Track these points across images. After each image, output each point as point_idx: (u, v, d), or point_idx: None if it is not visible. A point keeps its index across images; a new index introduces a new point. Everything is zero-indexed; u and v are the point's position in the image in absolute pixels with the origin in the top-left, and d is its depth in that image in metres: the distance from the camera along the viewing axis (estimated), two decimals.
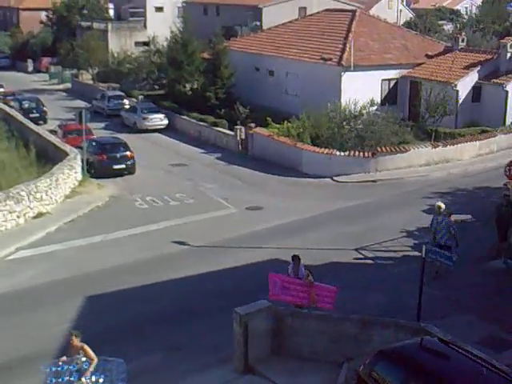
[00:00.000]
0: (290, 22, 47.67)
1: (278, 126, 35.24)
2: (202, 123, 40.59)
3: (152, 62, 51.33)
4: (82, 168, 30.63)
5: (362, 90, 35.76)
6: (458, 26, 61.09)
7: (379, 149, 31.51)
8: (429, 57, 40.49)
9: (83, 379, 12.80)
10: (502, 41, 39.96)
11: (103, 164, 32.03)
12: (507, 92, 36.00)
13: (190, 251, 22.62)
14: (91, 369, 12.85)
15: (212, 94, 42.38)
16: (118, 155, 32.43)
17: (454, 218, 20.33)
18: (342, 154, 31.37)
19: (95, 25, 66.39)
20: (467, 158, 33.28)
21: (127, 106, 45.99)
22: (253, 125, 36.00)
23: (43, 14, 75.96)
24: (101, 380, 12.93)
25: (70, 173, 28.90)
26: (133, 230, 24.66)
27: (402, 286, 18.84)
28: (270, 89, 42.61)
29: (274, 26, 48.17)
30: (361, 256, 21.69)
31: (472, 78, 37.19)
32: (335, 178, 30.93)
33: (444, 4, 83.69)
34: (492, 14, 62.67)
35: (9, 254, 22.37)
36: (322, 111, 33.59)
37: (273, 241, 23.01)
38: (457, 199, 27.05)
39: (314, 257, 20.52)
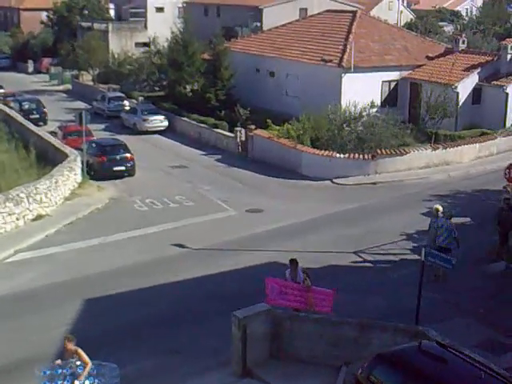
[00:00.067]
0: (290, 23, 47.59)
1: (278, 127, 35.21)
2: (202, 125, 40.58)
3: (152, 63, 51.27)
4: (82, 170, 30.59)
5: (362, 91, 35.77)
6: (459, 27, 61.01)
7: (379, 151, 31.49)
8: (429, 58, 40.43)
9: (77, 383, 12.78)
10: (502, 42, 39.96)
11: (103, 166, 31.95)
12: (507, 94, 35.92)
13: (190, 254, 22.59)
14: (85, 373, 12.82)
15: (212, 95, 42.34)
16: (118, 157, 32.38)
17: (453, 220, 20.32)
18: (342, 156, 31.36)
19: (96, 25, 66.28)
20: (467, 161, 33.25)
21: (127, 108, 45.95)
22: (253, 126, 35.97)
23: (44, 15, 76.09)
24: None
25: (69, 175, 28.86)
26: (132, 233, 24.65)
27: (402, 289, 18.82)
28: (270, 90, 42.57)
29: (274, 27, 48.10)
30: (360, 259, 21.68)
31: (472, 79, 37.10)
32: (335, 181, 30.90)
33: (444, 5, 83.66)
34: (492, 16, 62.64)
35: (8, 256, 22.33)
36: (322, 113, 33.55)
37: (273, 243, 22.99)
38: (456, 202, 27.02)
39: (313, 259, 20.55)
